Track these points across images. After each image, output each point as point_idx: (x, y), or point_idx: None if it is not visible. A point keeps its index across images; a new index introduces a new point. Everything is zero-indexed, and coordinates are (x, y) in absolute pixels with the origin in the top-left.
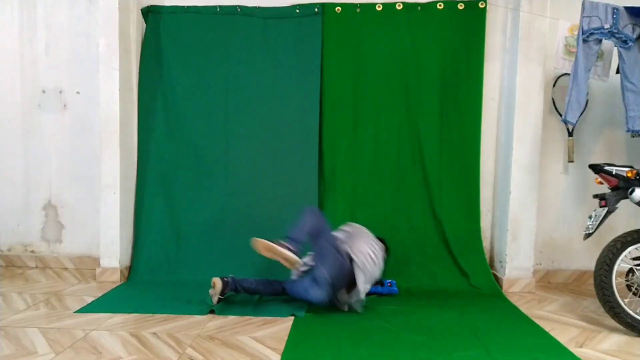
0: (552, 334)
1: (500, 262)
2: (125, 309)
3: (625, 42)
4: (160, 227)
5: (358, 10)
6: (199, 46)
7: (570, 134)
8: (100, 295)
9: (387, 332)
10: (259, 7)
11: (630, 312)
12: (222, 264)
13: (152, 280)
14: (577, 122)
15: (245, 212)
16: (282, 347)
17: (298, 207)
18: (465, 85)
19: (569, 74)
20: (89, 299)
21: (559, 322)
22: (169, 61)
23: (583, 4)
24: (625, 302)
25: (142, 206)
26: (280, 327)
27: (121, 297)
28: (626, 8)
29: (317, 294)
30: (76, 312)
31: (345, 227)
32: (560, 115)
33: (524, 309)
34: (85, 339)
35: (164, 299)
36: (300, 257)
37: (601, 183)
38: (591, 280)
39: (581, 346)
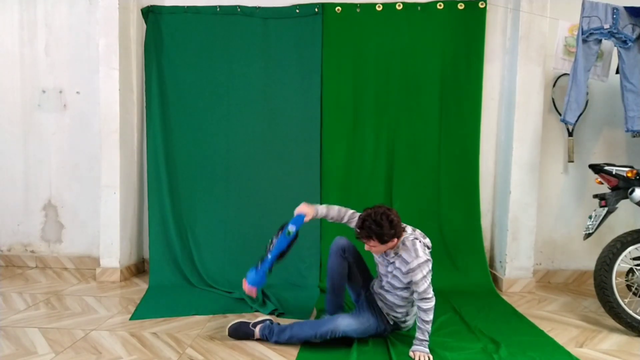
0: (552, 333)
1: (500, 262)
2: (181, 312)
3: (625, 42)
4: (168, 228)
5: (358, 10)
6: (200, 46)
7: (570, 134)
8: (111, 297)
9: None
10: (259, 7)
11: (630, 312)
12: (229, 263)
13: (171, 282)
14: (576, 122)
15: (248, 210)
16: (281, 346)
17: None
18: (465, 85)
19: (568, 74)
20: (89, 299)
21: (559, 322)
22: (170, 61)
23: (583, 4)
24: (625, 302)
25: (149, 206)
26: None
27: (166, 300)
28: (626, 8)
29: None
30: (131, 318)
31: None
32: (560, 115)
33: (524, 309)
34: (85, 339)
35: (212, 300)
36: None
37: (601, 183)
38: (591, 280)
39: (581, 346)
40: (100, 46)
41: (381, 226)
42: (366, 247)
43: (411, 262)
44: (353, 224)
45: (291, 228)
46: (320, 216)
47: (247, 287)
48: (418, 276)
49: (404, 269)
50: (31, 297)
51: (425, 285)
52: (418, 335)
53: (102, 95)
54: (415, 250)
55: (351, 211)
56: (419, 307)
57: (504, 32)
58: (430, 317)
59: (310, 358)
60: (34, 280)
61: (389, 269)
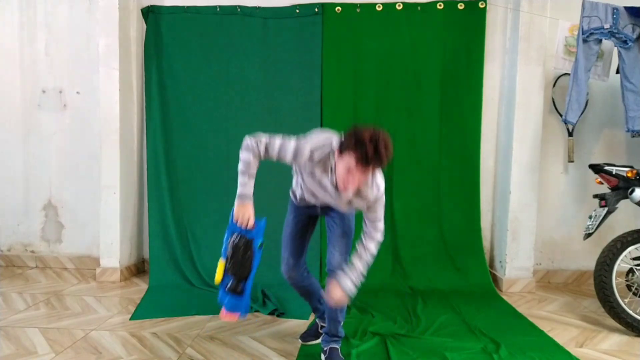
0: (552, 333)
1: (500, 262)
2: (181, 312)
3: (625, 42)
4: (168, 228)
5: (358, 10)
6: (200, 46)
7: (570, 134)
8: (111, 297)
9: (385, 331)
10: (259, 7)
11: (630, 312)
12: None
13: (171, 281)
14: (577, 122)
15: None
16: (281, 346)
17: None
18: (465, 85)
19: (569, 74)
20: (89, 299)
21: (559, 322)
22: (170, 61)
23: (583, 4)
24: (625, 302)
25: (149, 206)
26: (279, 327)
27: (166, 300)
28: (626, 8)
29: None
30: (131, 318)
31: None
32: (561, 115)
33: (524, 309)
34: (85, 339)
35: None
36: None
37: (601, 183)
38: (591, 280)
39: (581, 346)
40: (100, 46)
41: (389, 149)
42: (351, 182)
43: (372, 198)
44: (280, 153)
45: (260, 240)
46: (252, 185)
47: (227, 315)
48: (379, 213)
49: (364, 206)
50: (31, 297)
51: (382, 224)
52: (349, 273)
53: (102, 95)
54: (376, 181)
55: (263, 143)
56: (367, 249)
57: (504, 32)
58: (371, 262)
59: (310, 359)
60: (34, 280)
61: (341, 205)
